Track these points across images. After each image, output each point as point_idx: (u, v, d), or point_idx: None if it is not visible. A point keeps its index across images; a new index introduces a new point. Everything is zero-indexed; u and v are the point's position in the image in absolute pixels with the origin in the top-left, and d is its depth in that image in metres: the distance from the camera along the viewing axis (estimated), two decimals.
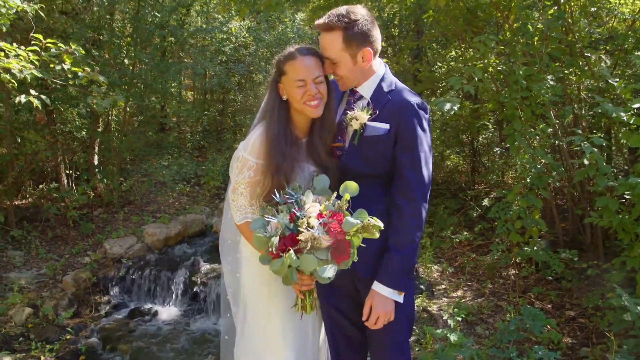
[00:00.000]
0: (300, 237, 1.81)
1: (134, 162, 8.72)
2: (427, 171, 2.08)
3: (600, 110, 3.52)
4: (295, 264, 1.81)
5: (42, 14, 4.23)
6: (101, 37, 7.19)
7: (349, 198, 1.90)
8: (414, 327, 4.41)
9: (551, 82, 4.53)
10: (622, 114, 3.46)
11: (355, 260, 1.93)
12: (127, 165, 8.49)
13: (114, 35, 7.10)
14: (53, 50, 3.64)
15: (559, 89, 4.54)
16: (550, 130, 4.69)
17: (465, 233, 5.89)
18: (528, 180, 4.47)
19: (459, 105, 3.78)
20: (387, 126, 2.08)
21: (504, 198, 4.79)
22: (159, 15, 7.46)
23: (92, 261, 5.99)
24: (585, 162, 3.55)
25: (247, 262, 2.29)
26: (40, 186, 7.55)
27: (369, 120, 2.10)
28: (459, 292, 5.10)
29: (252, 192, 2.11)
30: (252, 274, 2.28)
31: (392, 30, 8.37)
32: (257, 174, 2.09)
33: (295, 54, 2.06)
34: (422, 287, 5.10)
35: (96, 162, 7.81)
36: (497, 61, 4.94)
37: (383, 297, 2.11)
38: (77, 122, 7.87)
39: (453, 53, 7.57)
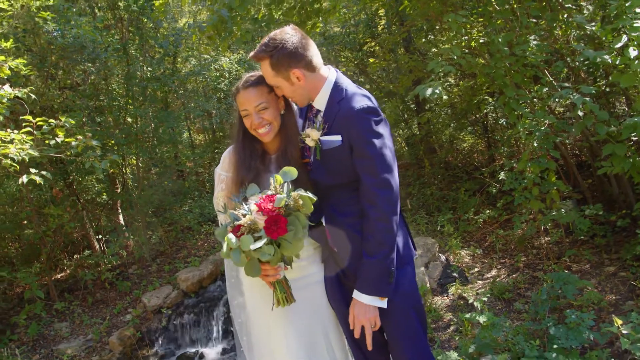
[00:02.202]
0: (241, 222, 1.95)
1: (158, 214, 8.94)
2: (388, 174, 2.05)
3: (582, 59, 3.42)
4: (235, 245, 1.91)
5: (34, 95, 4.42)
6: (101, 103, 7.46)
7: (281, 182, 1.99)
8: (452, 317, 4.34)
9: (534, 42, 4.45)
10: (606, 56, 3.36)
11: (301, 238, 1.98)
12: (152, 218, 8.70)
13: (112, 98, 7.36)
14: (45, 127, 3.82)
15: (546, 47, 4.45)
16: (546, 89, 4.59)
17: (488, 211, 5.77)
18: (535, 145, 4.37)
19: (440, 89, 3.74)
20: (339, 137, 2.09)
21: (516, 168, 4.69)
22: (150, 69, 7.70)
23: (133, 317, 6.14)
24: (580, 113, 3.45)
25: (245, 276, 2.36)
26: (75, 256, 7.82)
27: (321, 135, 2.13)
28: (493, 272, 4.98)
29: (228, 205, 2.21)
30: (250, 287, 2.36)
31: (375, 29, 8.38)
32: (227, 186, 2.27)
33: (238, 88, 2.22)
34: (455, 274, 5.01)
35: (122, 222, 8.04)
36: (480, 34, 4.88)
37: (363, 305, 2.11)
38: (97, 188, 8.14)
39: (440, 37, 7.52)
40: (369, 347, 2.21)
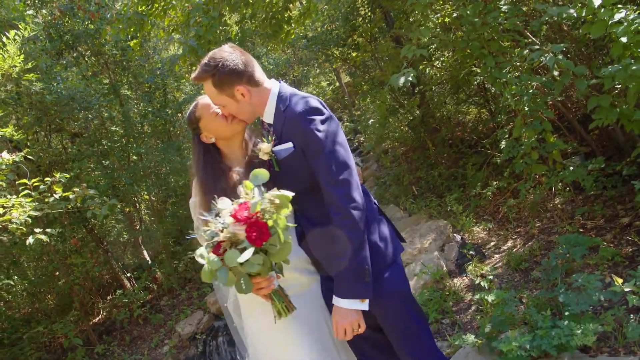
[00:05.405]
0: (220, 237, 1.83)
1: (180, 242, 9.10)
2: (342, 171, 2.02)
3: (547, 18, 3.35)
4: (217, 266, 1.80)
5: (31, 157, 4.57)
6: (104, 147, 7.65)
7: (252, 187, 1.90)
8: (472, 297, 4.30)
9: (505, 7, 4.37)
10: (571, 10, 3.28)
11: (287, 240, 1.89)
12: (176, 247, 8.87)
13: (113, 141, 7.55)
14: (42, 186, 3.95)
15: (518, 9, 4.36)
16: (526, 51, 4.49)
17: (495, 183, 5.68)
18: (526, 109, 4.29)
19: (413, 74, 3.71)
20: (290, 144, 2.10)
21: (512, 135, 4.61)
22: (144, 104, 7.86)
23: (170, 348, 6.29)
24: (555, 73, 3.37)
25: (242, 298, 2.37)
26: (108, 297, 8.04)
27: (273, 146, 2.13)
28: (509, 243, 4.91)
29: (201, 225, 2.19)
30: (249, 306, 2.35)
31: (355, 21, 8.34)
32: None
33: (197, 99, 2.30)
34: (472, 252, 4.96)
35: (147, 257, 8.23)
36: (452, 8, 4.81)
37: (343, 309, 2.04)
38: (117, 229, 8.36)
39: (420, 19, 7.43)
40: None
